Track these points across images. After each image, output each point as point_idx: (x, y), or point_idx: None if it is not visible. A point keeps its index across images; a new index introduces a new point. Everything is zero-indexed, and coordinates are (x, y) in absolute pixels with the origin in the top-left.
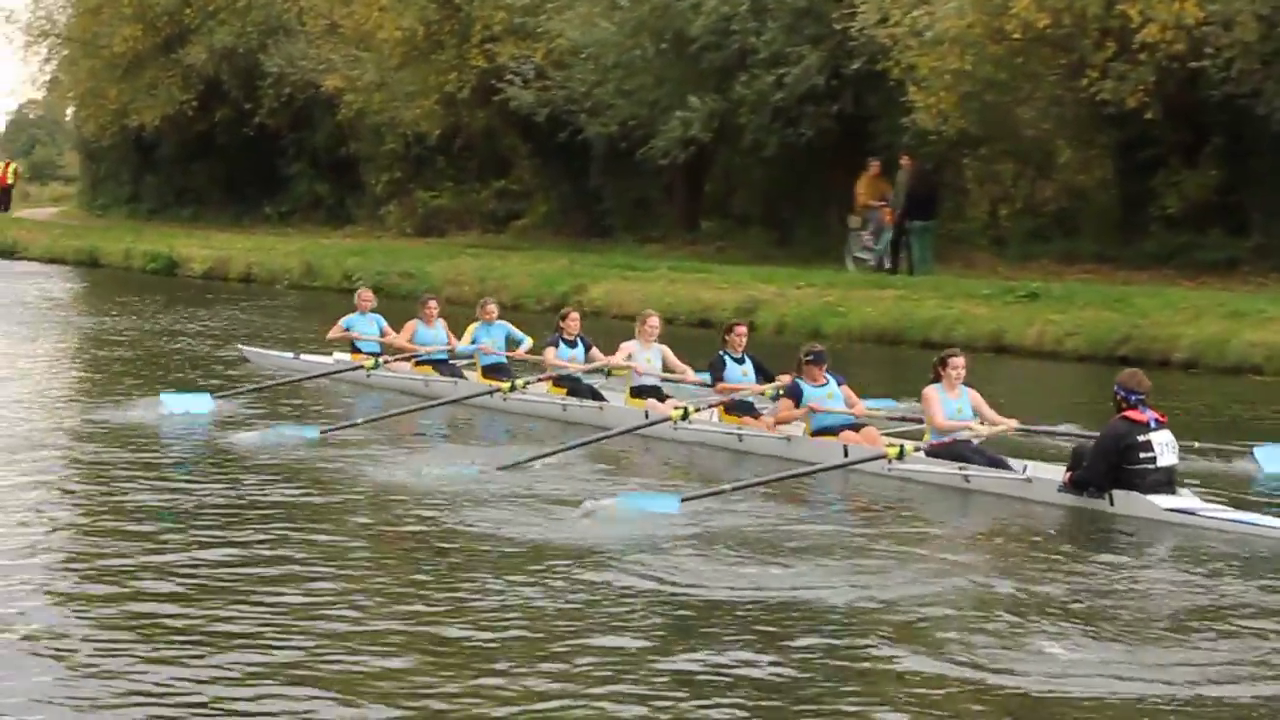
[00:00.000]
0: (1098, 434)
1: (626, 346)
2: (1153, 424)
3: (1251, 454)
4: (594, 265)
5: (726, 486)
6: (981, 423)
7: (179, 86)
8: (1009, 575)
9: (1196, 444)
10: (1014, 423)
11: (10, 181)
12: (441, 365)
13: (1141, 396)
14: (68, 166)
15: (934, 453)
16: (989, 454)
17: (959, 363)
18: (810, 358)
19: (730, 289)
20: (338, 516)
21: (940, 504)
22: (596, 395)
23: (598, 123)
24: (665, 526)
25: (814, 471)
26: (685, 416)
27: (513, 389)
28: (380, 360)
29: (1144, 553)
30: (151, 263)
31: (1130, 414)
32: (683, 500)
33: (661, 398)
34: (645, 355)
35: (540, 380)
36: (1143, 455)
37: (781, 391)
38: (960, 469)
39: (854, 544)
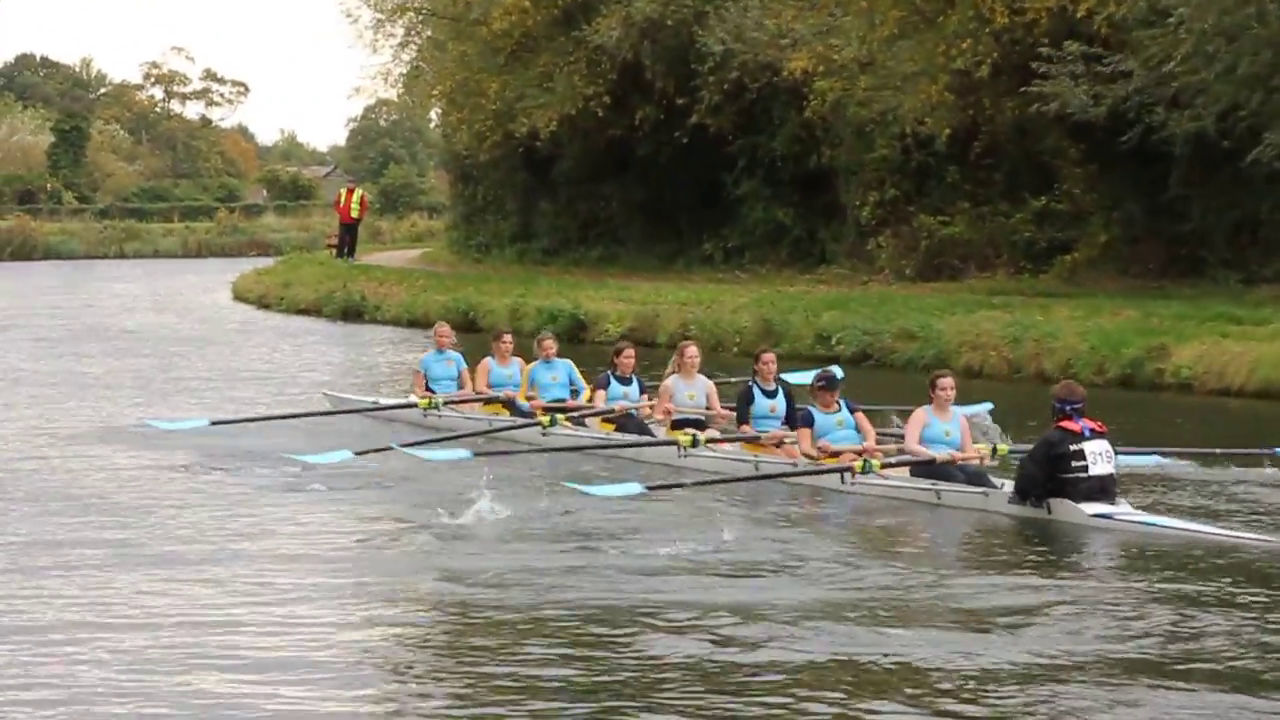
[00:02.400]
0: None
1: (667, 384)
2: (1087, 433)
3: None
4: (1179, 318)
5: (687, 481)
6: (960, 449)
7: (583, 77)
8: (916, 578)
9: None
10: (985, 453)
11: (356, 215)
12: (514, 406)
13: (1077, 406)
14: (432, 192)
15: (917, 471)
16: (971, 471)
17: (948, 384)
18: (821, 384)
19: None
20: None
21: (891, 516)
22: (645, 430)
23: (1184, 115)
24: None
25: (766, 477)
26: (694, 444)
27: (552, 423)
28: (440, 400)
29: (1058, 556)
30: (549, 324)
31: (1064, 424)
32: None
33: (702, 429)
34: (687, 391)
35: (584, 416)
36: (1075, 464)
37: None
38: (930, 485)
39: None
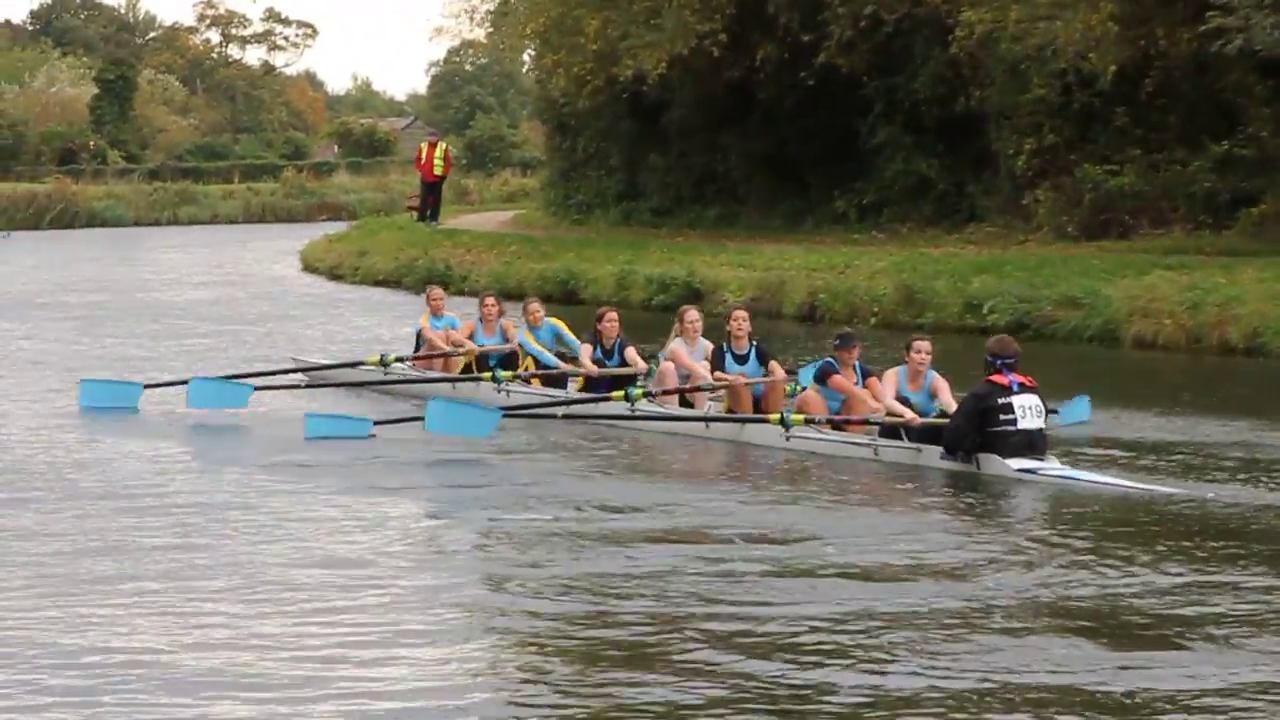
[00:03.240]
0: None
1: (677, 350)
2: (1015, 387)
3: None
4: None
5: (558, 412)
6: (940, 413)
7: (696, 12)
8: (829, 528)
9: None
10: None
11: (439, 173)
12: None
13: (1009, 361)
14: (526, 145)
15: (885, 431)
16: (932, 432)
17: (923, 347)
18: (838, 342)
19: None
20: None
21: (822, 471)
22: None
23: None
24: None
25: (694, 419)
26: (628, 398)
27: (493, 378)
28: (391, 358)
29: (980, 509)
30: (660, 294)
31: (994, 378)
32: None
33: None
34: (691, 354)
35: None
36: (1003, 418)
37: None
38: (868, 441)
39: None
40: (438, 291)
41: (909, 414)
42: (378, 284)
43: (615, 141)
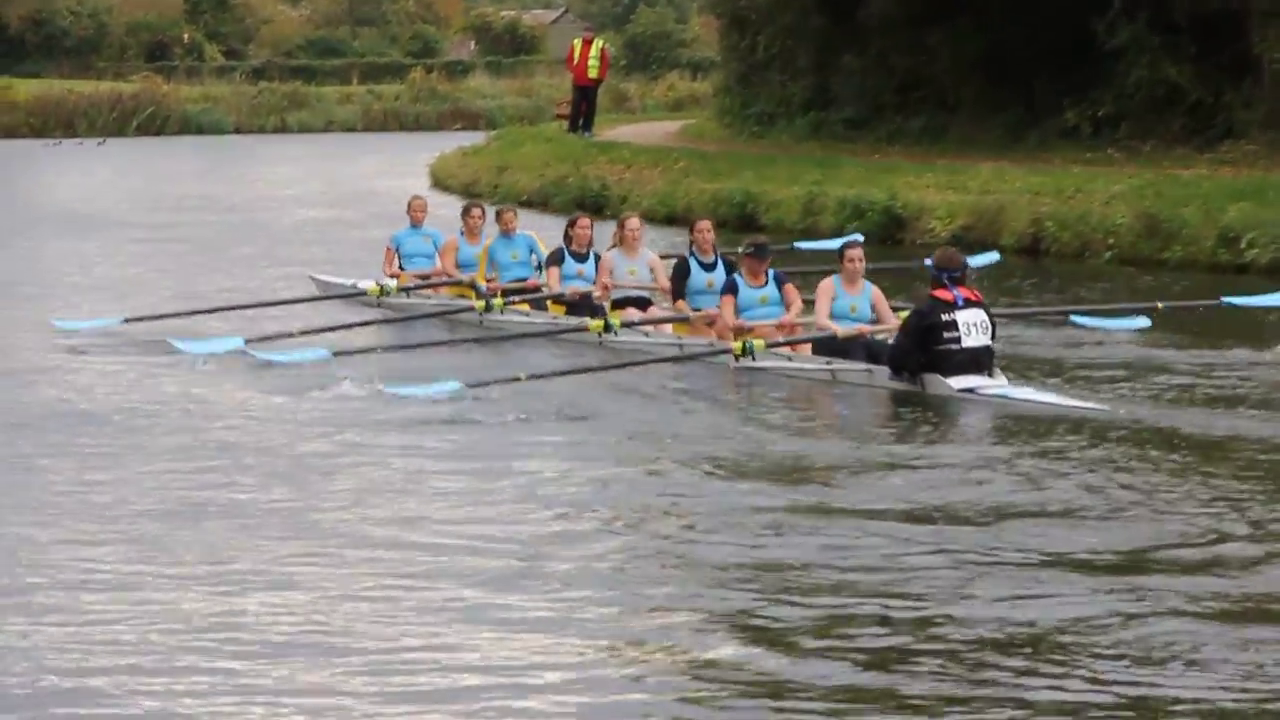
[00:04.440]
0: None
1: (607, 258)
2: (960, 302)
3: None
4: None
5: (521, 375)
6: (875, 320)
7: None
8: (774, 448)
9: None
10: (894, 322)
11: (594, 76)
12: (475, 289)
13: (954, 275)
14: (696, 44)
15: (820, 347)
16: (875, 346)
17: (856, 254)
18: (749, 251)
19: None
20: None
21: (778, 392)
22: (599, 312)
23: None
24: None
25: (644, 362)
26: (607, 329)
27: (487, 308)
28: (393, 287)
29: (918, 428)
30: (854, 220)
31: (938, 293)
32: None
33: (644, 309)
34: (628, 266)
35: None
36: (947, 335)
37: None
38: (825, 364)
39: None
40: (421, 200)
41: (833, 326)
42: (521, 205)
43: (803, 40)
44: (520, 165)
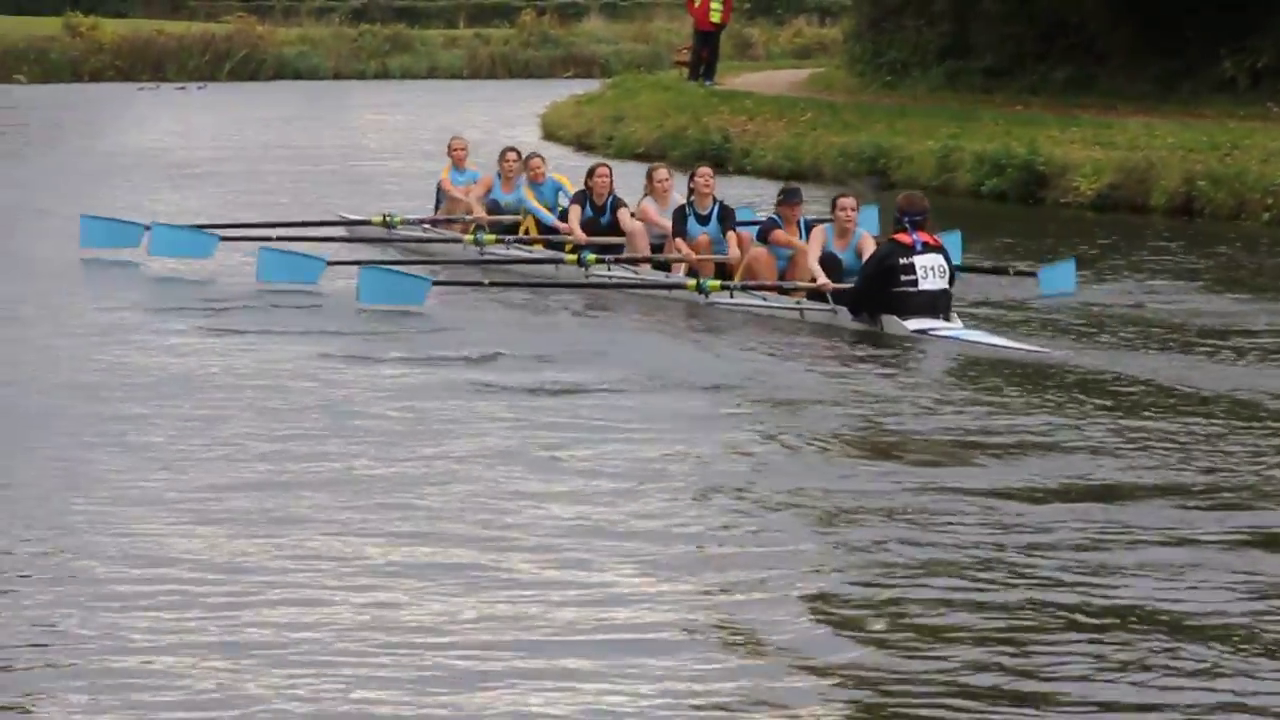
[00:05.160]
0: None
1: (644, 205)
2: (918, 246)
3: (1036, 275)
4: None
5: (484, 280)
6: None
7: None
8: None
9: None
10: None
11: (717, 20)
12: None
13: (916, 219)
14: None
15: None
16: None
17: (847, 204)
18: (781, 198)
19: None
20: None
21: (738, 331)
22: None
23: None
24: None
25: (612, 285)
26: (581, 262)
27: (476, 243)
28: (398, 219)
29: (873, 366)
30: (993, 177)
31: (898, 236)
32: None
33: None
34: (663, 214)
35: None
36: (904, 278)
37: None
38: (794, 304)
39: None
40: (460, 141)
41: (823, 280)
42: (636, 158)
43: None
44: (637, 116)
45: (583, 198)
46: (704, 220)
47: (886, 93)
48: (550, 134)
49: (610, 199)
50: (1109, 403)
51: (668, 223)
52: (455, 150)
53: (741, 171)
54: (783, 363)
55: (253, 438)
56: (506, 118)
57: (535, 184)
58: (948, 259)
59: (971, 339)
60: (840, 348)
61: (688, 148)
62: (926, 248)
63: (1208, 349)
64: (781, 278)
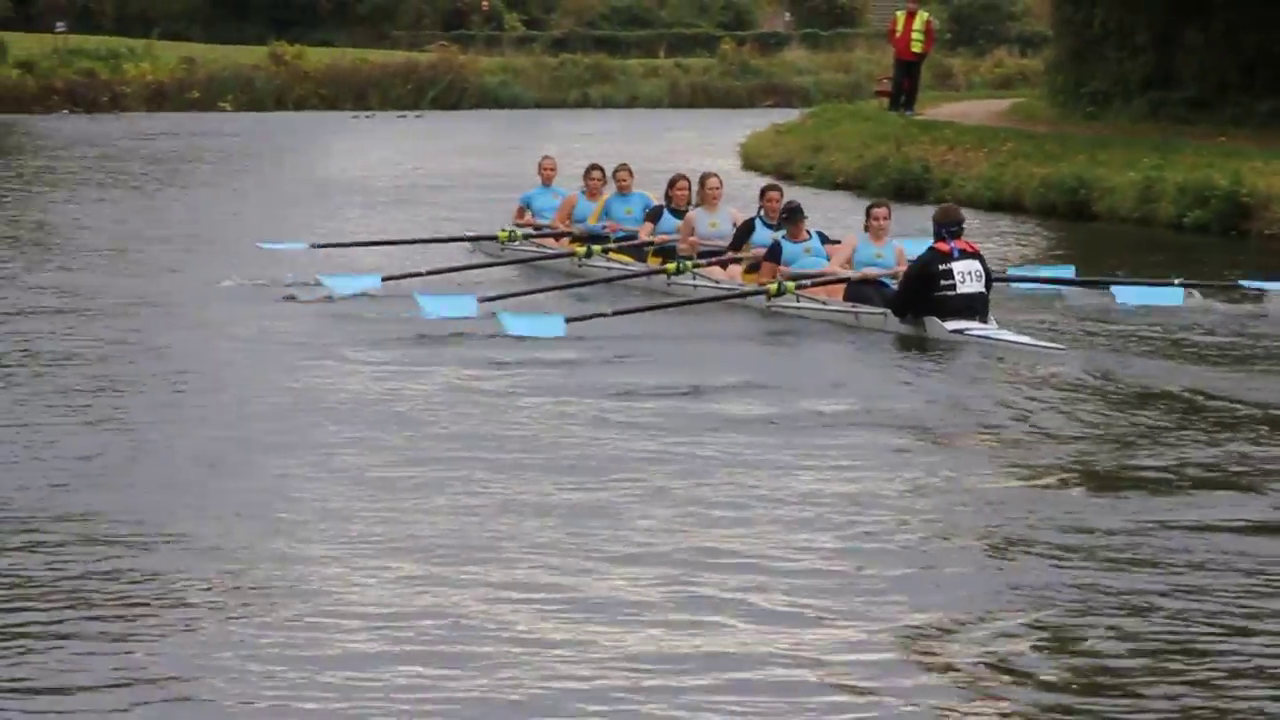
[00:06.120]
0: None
1: (690, 215)
2: (956, 254)
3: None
4: None
5: (608, 311)
6: (895, 275)
7: None
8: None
9: None
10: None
11: (918, 50)
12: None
13: (953, 229)
14: (1026, 17)
15: (849, 294)
16: (889, 293)
17: (881, 213)
18: (785, 215)
19: None
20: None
21: (797, 334)
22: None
23: None
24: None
25: (690, 302)
26: (679, 270)
27: (588, 254)
28: (519, 234)
29: (915, 363)
30: (1195, 209)
31: (937, 245)
32: (567, 321)
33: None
34: (710, 220)
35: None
36: (944, 282)
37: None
38: (850, 308)
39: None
40: (550, 160)
41: (847, 270)
42: (836, 187)
43: (1142, 13)
44: (837, 145)
45: (659, 211)
46: (775, 228)
47: (1088, 123)
48: (750, 163)
49: (689, 208)
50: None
51: (708, 227)
52: (545, 169)
53: (941, 201)
54: (843, 365)
55: (460, 466)
56: (706, 147)
57: (622, 194)
58: (984, 265)
59: (1000, 338)
60: (888, 346)
61: (888, 177)
62: (963, 254)
63: None
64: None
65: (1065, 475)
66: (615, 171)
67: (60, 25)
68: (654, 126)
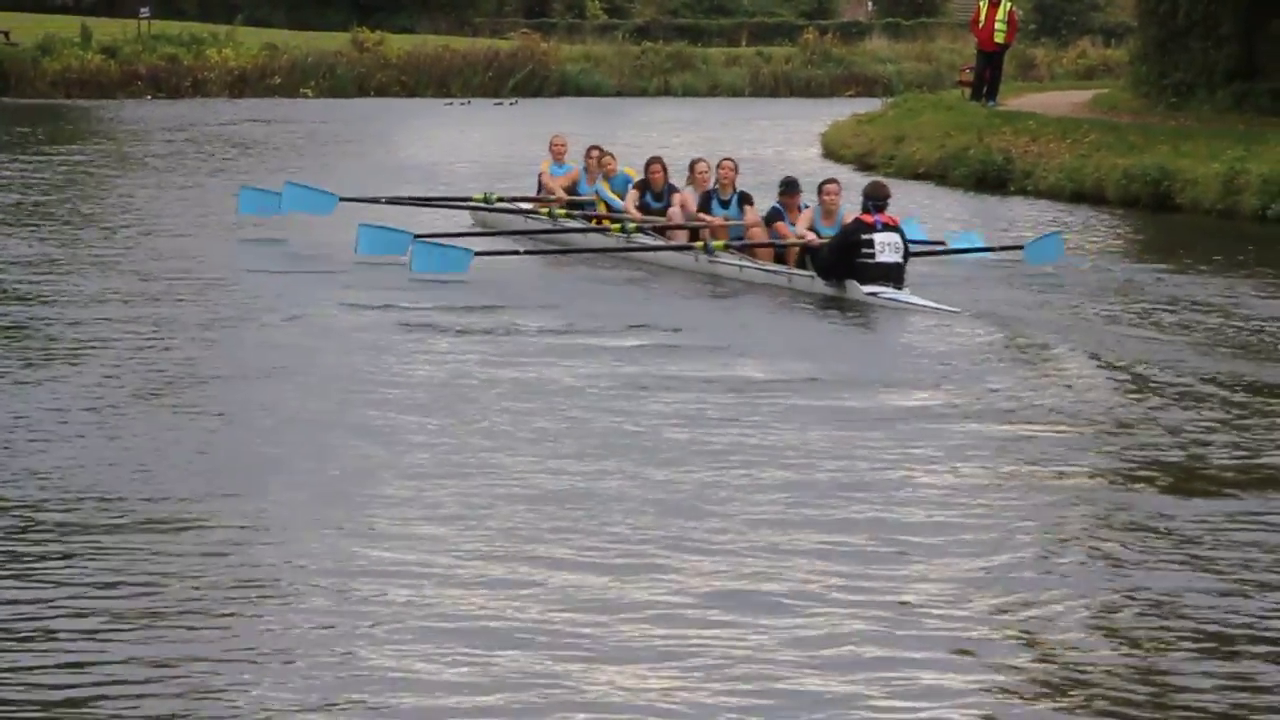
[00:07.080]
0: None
1: (679, 197)
2: (879, 226)
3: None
4: None
5: (520, 249)
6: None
7: None
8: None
9: None
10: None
11: (1001, 41)
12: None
13: (879, 203)
14: (1111, 8)
15: (799, 259)
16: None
17: (833, 189)
18: (783, 190)
19: None
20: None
21: (721, 289)
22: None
23: None
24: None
25: (623, 250)
26: (624, 229)
27: (550, 214)
28: (495, 196)
29: (828, 321)
30: (1278, 202)
31: (863, 216)
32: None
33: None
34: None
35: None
36: (864, 250)
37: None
38: (785, 270)
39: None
40: (561, 139)
41: (810, 236)
42: (917, 177)
43: (1227, 3)
44: (918, 135)
45: (643, 186)
46: (725, 204)
47: (1171, 114)
48: (830, 153)
49: (666, 187)
50: None
51: (694, 208)
52: (555, 147)
53: (1023, 192)
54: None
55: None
56: (787, 135)
57: (608, 177)
58: (904, 238)
59: (905, 300)
60: (814, 304)
61: (969, 168)
62: (886, 227)
63: None
64: (779, 259)
65: (953, 412)
66: (600, 156)
67: (144, 11)
68: (735, 114)
